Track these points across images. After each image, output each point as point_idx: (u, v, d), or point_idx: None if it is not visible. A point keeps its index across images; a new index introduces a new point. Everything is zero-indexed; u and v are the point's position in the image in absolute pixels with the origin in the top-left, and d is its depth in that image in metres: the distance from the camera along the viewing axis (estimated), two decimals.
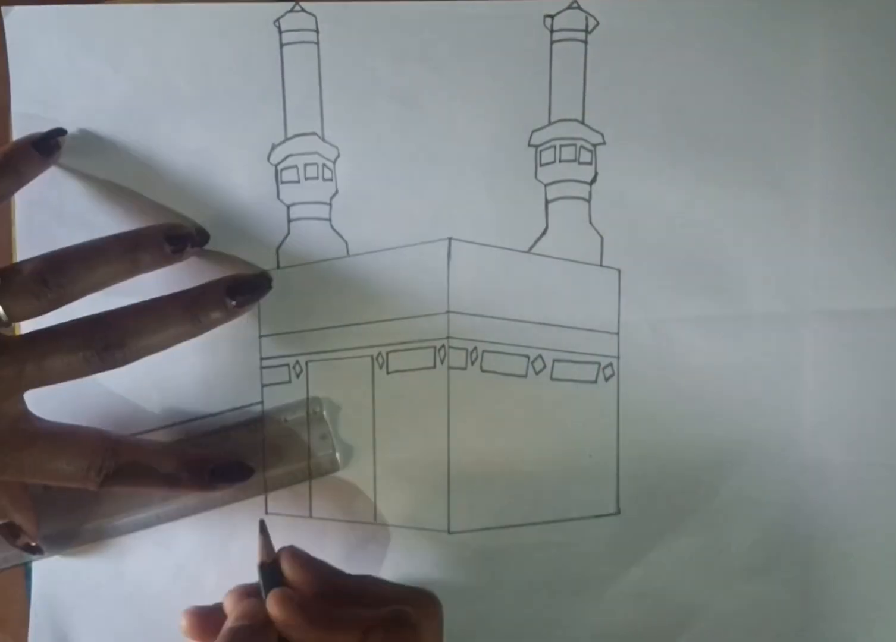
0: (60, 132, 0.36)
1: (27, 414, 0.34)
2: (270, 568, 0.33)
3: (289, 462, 0.38)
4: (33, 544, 0.37)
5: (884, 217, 0.37)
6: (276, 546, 0.34)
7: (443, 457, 0.38)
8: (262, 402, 0.38)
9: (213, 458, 0.36)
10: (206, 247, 0.37)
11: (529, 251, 0.38)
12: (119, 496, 0.37)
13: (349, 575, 0.34)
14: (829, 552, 0.38)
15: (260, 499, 0.38)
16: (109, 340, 0.33)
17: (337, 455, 0.38)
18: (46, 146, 0.35)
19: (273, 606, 0.31)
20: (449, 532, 0.38)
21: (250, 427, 0.38)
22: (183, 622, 0.34)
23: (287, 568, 0.33)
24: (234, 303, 0.35)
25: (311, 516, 0.38)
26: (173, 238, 0.35)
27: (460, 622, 0.38)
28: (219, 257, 0.38)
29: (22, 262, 0.33)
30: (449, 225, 0.37)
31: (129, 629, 0.39)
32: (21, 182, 0.35)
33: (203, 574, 0.38)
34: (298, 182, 0.38)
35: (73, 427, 0.35)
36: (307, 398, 0.38)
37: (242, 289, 0.35)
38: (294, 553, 0.33)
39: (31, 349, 0.33)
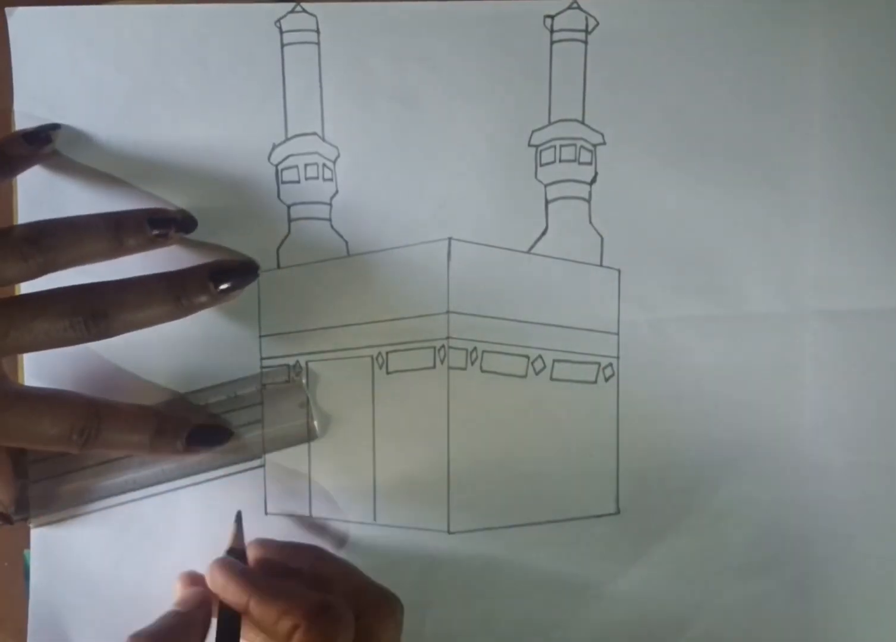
0: (53, 126, 0.37)
1: (6, 377, 0.34)
2: (236, 554, 0.35)
3: (267, 429, 0.38)
4: (5, 512, 0.37)
5: (884, 217, 0.37)
6: None
7: (443, 457, 0.38)
8: (262, 403, 0.38)
9: (192, 421, 0.36)
10: (214, 239, 0.37)
11: (529, 251, 0.38)
12: (95, 460, 0.37)
13: (326, 559, 0.36)
14: (828, 552, 0.38)
15: (260, 499, 0.38)
16: (96, 308, 0.33)
17: (315, 423, 0.38)
18: (36, 138, 0.36)
19: (214, 571, 0.33)
20: (449, 532, 0.38)
21: (229, 394, 0.38)
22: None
23: (251, 552, 0.36)
24: (217, 288, 0.35)
25: (311, 516, 0.38)
26: (156, 221, 0.35)
27: (460, 622, 0.38)
28: (218, 248, 0.38)
29: (11, 226, 0.34)
30: (449, 225, 0.38)
31: (128, 629, 0.39)
32: (11, 173, 0.36)
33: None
34: (299, 182, 0.38)
35: (54, 390, 0.35)
36: (287, 366, 0.38)
37: (228, 275, 0.35)
38: (262, 541, 0.37)
39: (18, 311, 0.33)
